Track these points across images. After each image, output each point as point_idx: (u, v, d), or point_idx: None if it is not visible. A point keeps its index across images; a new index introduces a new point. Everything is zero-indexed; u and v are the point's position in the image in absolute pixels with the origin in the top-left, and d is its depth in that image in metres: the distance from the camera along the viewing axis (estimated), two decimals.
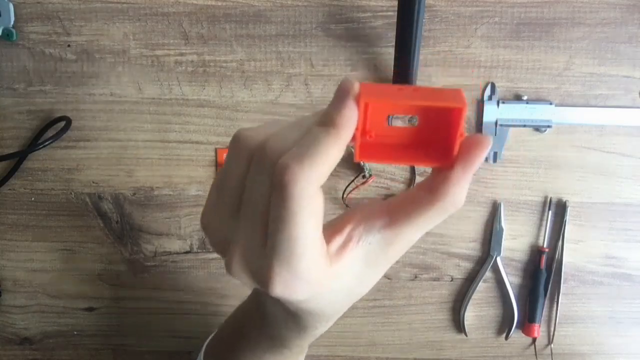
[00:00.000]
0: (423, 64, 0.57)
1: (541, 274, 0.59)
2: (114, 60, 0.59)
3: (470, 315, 0.61)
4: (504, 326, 0.61)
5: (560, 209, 0.59)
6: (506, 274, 0.59)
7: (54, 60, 0.59)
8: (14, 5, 0.58)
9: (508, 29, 0.57)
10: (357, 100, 0.25)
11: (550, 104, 0.57)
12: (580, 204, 0.59)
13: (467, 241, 0.60)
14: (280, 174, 0.24)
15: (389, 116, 0.28)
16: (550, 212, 0.59)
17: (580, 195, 0.59)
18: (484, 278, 0.60)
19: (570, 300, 0.60)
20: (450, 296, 0.61)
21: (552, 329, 0.60)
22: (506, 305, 0.60)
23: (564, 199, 0.58)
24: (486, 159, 0.58)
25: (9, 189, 0.61)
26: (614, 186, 0.58)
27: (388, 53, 0.57)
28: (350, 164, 0.59)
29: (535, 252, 0.59)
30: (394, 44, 0.51)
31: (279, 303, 0.28)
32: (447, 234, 0.60)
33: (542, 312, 0.59)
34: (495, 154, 0.58)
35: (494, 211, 0.59)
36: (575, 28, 0.57)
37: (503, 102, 0.57)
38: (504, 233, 0.59)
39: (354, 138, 0.26)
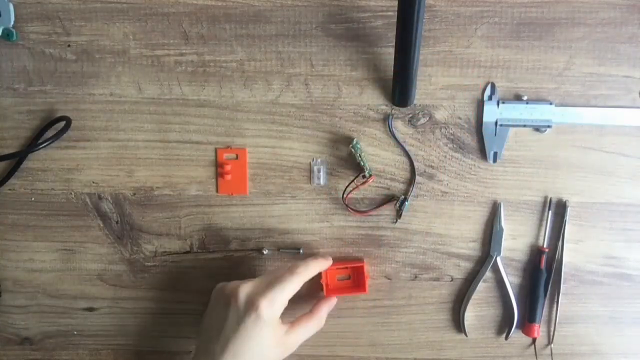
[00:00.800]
0: (423, 64, 0.57)
1: (541, 274, 0.59)
2: (114, 60, 0.59)
3: (470, 315, 0.61)
4: (504, 326, 0.61)
5: (560, 209, 0.59)
6: (506, 274, 0.59)
7: (54, 60, 0.59)
8: (14, 5, 0.58)
9: (508, 29, 0.57)
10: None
11: (550, 104, 0.57)
12: (580, 204, 0.59)
13: (467, 241, 0.60)
14: (296, 266, 0.55)
15: (337, 276, 0.60)
16: (550, 212, 0.59)
17: (580, 195, 0.59)
18: (484, 278, 0.60)
19: (570, 300, 0.60)
20: (450, 296, 0.61)
21: (552, 329, 0.60)
22: (506, 305, 0.60)
23: (564, 199, 0.58)
24: (486, 159, 0.58)
25: (9, 189, 0.61)
26: (614, 186, 0.58)
27: (388, 53, 0.57)
28: (351, 164, 0.59)
29: (535, 252, 0.59)
30: (394, 44, 0.51)
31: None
32: (447, 234, 0.60)
33: (542, 312, 0.59)
34: (495, 154, 0.58)
35: (494, 211, 0.59)
36: (575, 28, 0.57)
37: (503, 102, 0.57)
38: (504, 233, 0.59)
39: (324, 286, 0.58)
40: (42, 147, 0.58)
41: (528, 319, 0.60)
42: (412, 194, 0.59)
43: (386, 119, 0.58)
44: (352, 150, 0.58)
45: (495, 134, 0.58)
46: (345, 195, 0.59)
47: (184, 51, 0.59)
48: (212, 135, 0.59)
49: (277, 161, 0.60)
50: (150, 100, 0.59)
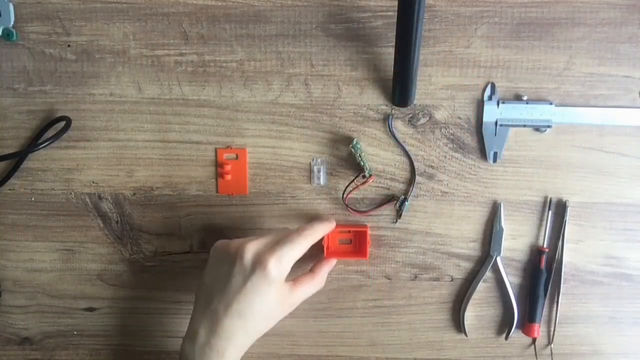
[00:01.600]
0: (423, 64, 0.57)
1: (541, 274, 0.59)
2: (114, 60, 0.59)
3: (470, 315, 0.61)
4: (504, 326, 0.61)
5: (560, 209, 0.59)
6: (506, 274, 0.59)
7: (54, 60, 0.59)
8: (14, 5, 0.58)
9: (508, 29, 0.57)
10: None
11: (550, 104, 0.57)
12: (580, 204, 0.59)
13: (467, 241, 0.60)
14: (303, 228, 0.54)
15: (338, 239, 0.60)
16: (550, 212, 0.59)
17: (580, 195, 0.59)
18: (484, 278, 0.60)
19: (570, 300, 0.60)
20: (450, 296, 0.61)
21: (552, 329, 0.60)
22: (506, 305, 0.60)
23: (564, 199, 0.58)
24: (486, 159, 0.58)
25: (9, 189, 0.61)
26: (614, 186, 0.58)
27: (388, 53, 0.57)
28: (351, 164, 0.59)
29: (535, 252, 0.59)
30: (394, 44, 0.51)
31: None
32: (447, 234, 0.60)
33: (542, 312, 0.59)
34: (495, 154, 0.58)
35: (494, 211, 0.59)
36: (575, 28, 0.57)
37: (503, 102, 0.57)
38: (504, 233, 0.59)
39: (324, 248, 0.58)
40: (42, 147, 0.58)
41: (528, 319, 0.60)
42: (412, 194, 0.59)
43: (386, 119, 0.58)
44: (352, 150, 0.58)
45: (495, 134, 0.58)
46: (345, 195, 0.59)
47: (184, 51, 0.59)
48: (212, 135, 0.59)
49: (277, 161, 0.60)
50: (150, 100, 0.59)
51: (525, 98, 0.57)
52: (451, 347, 0.62)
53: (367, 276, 0.61)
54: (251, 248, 0.51)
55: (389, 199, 0.59)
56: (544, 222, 0.59)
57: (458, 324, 0.61)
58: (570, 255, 0.59)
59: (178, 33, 0.58)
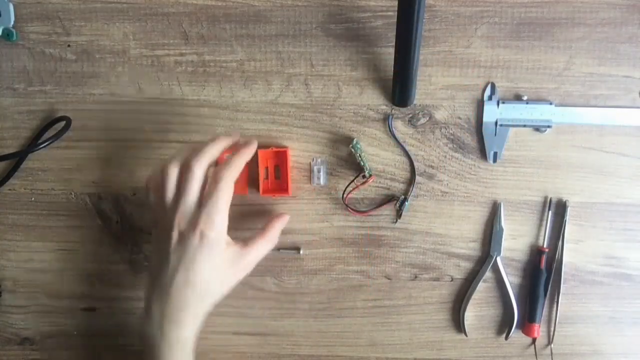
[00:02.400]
0: (423, 64, 0.57)
1: (541, 274, 0.59)
2: (114, 60, 0.59)
3: (470, 315, 0.61)
4: (504, 326, 0.61)
5: (560, 209, 0.59)
6: (506, 274, 0.59)
7: (54, 60, 0.59)
8: (14, 5, 0.58)
9: (508, 29, 0.57)
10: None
11: (550, 104, 0.57)
12: (580, 204, 0.59)
13: (467, 241, 0.60)
14: (216, 174, 0.51)
15: (265, 168, 0.59)
16: (550, 212, 0.59)
17: (580, 195, 0.59)
18: (484, 278, 0.60)
19: (570, 300, 0.60)
20: (450, 296, 0.61)
21: (552, 329, 0.60)
22: (506, 305, 0.60)
23: (564, 199, 0.58)
24: (486, 159, 0.58)
25: (9, 189, 0.61)
26: (614, 186, 0.58)
27: (388, 53, 0.57)
28: (351, 164, 0.59)
29: (535, 252, 0.59)
30: (394, 44, 0.51)
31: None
32: (447, 234, 0.60)
33: (542, 312, 0.59)
34: (495, 154, 0.58)
35: (494, 211, 0.59)
36: (575, 28, 0.57)
37: (503, 102, 0.57)
38: (504, 233, 0.59)
39: (261, 186, 0.58)
40: (42, 147, 0.58)
41: (528, 319, 0.60)
42: (412, 194, 0.59)
43: (386, 119, 0.58)
44: (352, 150, 0.58)
45: (495, 134, 0.58)
46: (345, 195, 0.59)
47: (184, 51, 0.59)
48: (212, 136, 0.59)
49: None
50: (150, 100, 0.59)
51: (525, 98, 0.57)
52: (451, 347, 0.62)
53: (367, 276, 0.61)
54: (180, 217, 0.50)
55: (389, 199, 0.59)
56: (544, 222, 0.59)
57: (458, 324, 0.61)
58: (570, 255, 0.59)
59: (178, 33, 0.58)
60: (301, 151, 0.59)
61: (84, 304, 0.63)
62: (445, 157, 0.59)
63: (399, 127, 0.59)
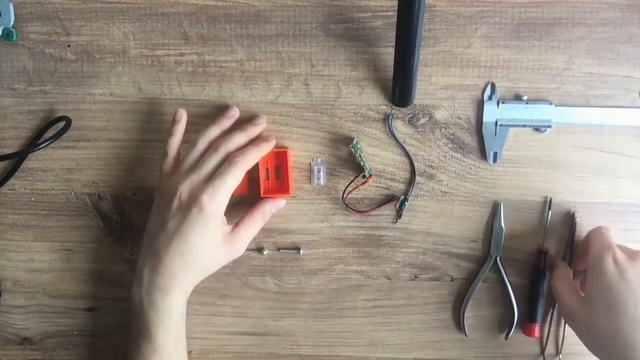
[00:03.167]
0: (423, 64, 0.57)
1: (541, 274, 0.59)
2: (114, 60, 0.59)
3: (470, 315, 0.61)
4: (504, 326, 0.61)
5: (566, 218, 0.58)
6: (506, 274, 0.59)
7: (54, 60, 0.59)
8: (14, 5, 0.58)
9: (508, 29, 0.57)
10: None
11: (550, 104, 0.57)
12: (580, 204, 0.59)
13: (467, 241, 0.60)
14: (233, 157, 0.53)
15: (266, 168, 0.58)
16: (550, 212, 0.59)
17: (580, 195, 0.59)
18: (484, 278, 0.60)
19: None
20: (450, 296, 0.61)
21: (552, 328, 0.60)
22: (506, 305, 0.60)
23: (572, 211, 0.58)
24: (486, 159, 0.58)
25: (9, 189, 0.61)
26: (614, 186, 0.58)
27: (388, 53, 0.57)
28: (351, 165, 0.59)
29: (535, 252, 0.59)
30: (394, 44, 0.51)
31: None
32: (447, 234, 0.60)
33: (542, 312, 0.59)
34: (495, 154, 0.58)
35: (494, 211, 0.59)
36: (575, 28, 0.57)
37: (503, 102, 0.57)
38: (504, 233, 0.59)
39: (262, 187, 0.58)
40: (42, 147, 0.58)
41: (528, 319, 0.59)
42: (412, 194, 0.59)
43: (386, 119, 0.58)
44: (352, 150, 0.58)
45: (495, 134, 0.58)
46: (345, 195, 0.59)
47: (184, 51, 0.59)
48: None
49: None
50: (150, 100, 0.59)
51: (525, 98, 0.57)
52: (451, 347, 0.62)
53: (367, 276, 0.61)
54: (185, 187, 0.52)
55: (389, 199, 0.59)
56: (544, 222, 0.59)
57: (458, 324, 0.61)
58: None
59: (178, 33, 0.58)
60: (301, 151, 0.59)
61: (84, 304, 0.63)
62: (445, 157, 0.59)
63: (399, 127, 0.59)
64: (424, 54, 0.57)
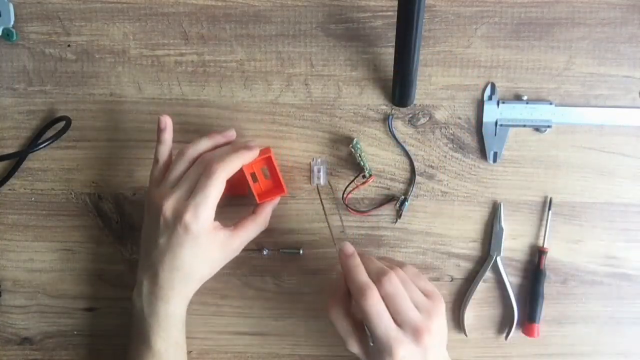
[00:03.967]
0: (423, 64, 0.57)
1: (541, 274, 0.59)
2: (114, 60, 0.59)
3: (470, 315, 0.61)
4: (504, 326, 0.61)
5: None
6: (506, 274, 0.59)
7: (54, 60, 0.59)
8: (14, 5, 0.58)
9: (508, 29, 0.57)
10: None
11: (550, 104, 0.57)
12: (580, 204, 0.59)
13: (467, 241, 0.60)
14: (211, 167, 0.51)
15: (252, 173, 0.55)
16: (550, 212, 0.59)
17: (580, 195, 0.59)
18: (484, 278, 0.60)
19: (570, 300, 0.60)
20: (450, 296, 0.61)
21: (552, 329, 0.60)
22: (506, 305, 0.60)
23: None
24: (486, 159, 0.58)
25: (9, 189, 0.61)
26: (614, 186, 0.58)
27: (388, 53, 0.57)
28: (351, 165, 0.59)
29: (535, 252, 0.59)
30: (394, 44, 0.51)
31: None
32: (447, 234, 0.60)
33: (542, 312, 0.59)
34: (495, 154, 0.58)
35: (494, 211, 0.59)
36: (575, 28, 0.57)
37: (503, 102, 0.57)
38: (504, 233, 0.59)
39: (254, 192, 0.56)
40: (42, 147, 0.58)
41: (528, 319, 0.59)
42: (412, 194, 0.59)
43: (386, 119, 0.58)
44: (352, 150, 0.58)
45: (495, 134, 0.58)
46: (345, 195, 0.59)
47: (184, 51, 0.59)
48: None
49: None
50: (150, 100, 0.59)
51: (525, 98, 0.57)
52: (451, 347, 0.62)
53: None
54: (169, 205, 0.51)
55: (389, 199, 0.59)
56: (544, 222, 0.59)
57: (458, 324, 0.61)
58: (570, 256, 0.59)
59: (178, 33, 0.58)
60: (301, 151, 0.59)
61: (84, 304, 0.63)
62: (445, 157, 0.59)
63: (399, 127, 0.59)
64: (424, 54, 0.57)
